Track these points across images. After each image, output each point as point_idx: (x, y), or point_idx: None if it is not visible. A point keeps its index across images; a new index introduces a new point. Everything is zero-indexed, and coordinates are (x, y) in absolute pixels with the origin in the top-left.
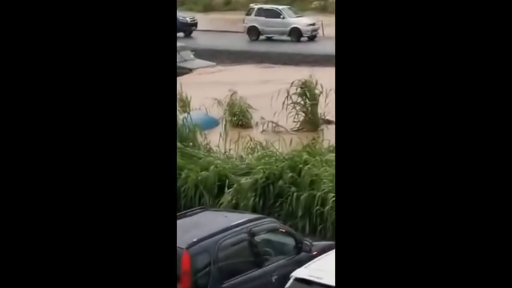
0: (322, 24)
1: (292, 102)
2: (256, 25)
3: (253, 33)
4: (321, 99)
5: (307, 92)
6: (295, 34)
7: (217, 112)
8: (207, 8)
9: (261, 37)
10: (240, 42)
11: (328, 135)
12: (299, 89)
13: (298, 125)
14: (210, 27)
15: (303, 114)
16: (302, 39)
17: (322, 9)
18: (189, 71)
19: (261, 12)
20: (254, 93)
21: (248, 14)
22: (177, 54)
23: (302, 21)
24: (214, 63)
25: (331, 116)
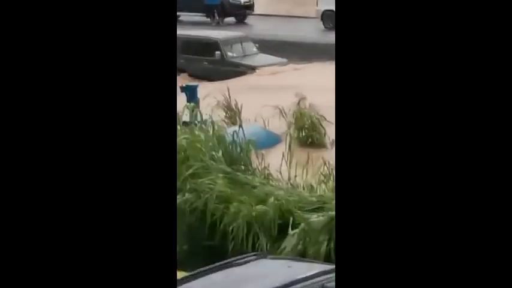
0: None
1: None
2: (334, 9)
3: (330, 19)
4: None
5: None
6: None
7: (279, 126)
8: None
9: None
10: (311, 32)
11: None
12: None
13: None
14: (269, 10)
15: None
16: None
17: None
18: (252, 70)
19: None
20: (330, 101)
21: None
22: (239, 46)
23: None
24: (285, 60)
25: None
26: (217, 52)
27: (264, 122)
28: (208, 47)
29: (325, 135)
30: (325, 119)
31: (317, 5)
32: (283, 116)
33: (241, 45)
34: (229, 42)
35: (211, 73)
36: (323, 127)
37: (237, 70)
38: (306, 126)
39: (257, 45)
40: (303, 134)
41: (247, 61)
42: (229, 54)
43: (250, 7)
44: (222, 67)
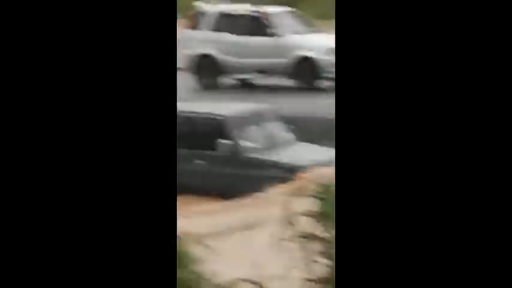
0: None
1: None
2: (212, 53)
3: (206, 70)
4: None
5: None
6: (306, 72)
7: None
8: None
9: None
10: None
11: None
12: None
13: None
14: None
15: None
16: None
17: None
18: (289, 173)
19: (223, 21)
20: None
21: (193, 25)
22: (264, 128)
23: (319, 43)
24: None
25: None
26: (223, 141)
27: None
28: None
29: None
30: None
31: (181, 43)
32: None
33: (266, 127)
34: (246, 121)
35: (208, 184)
36: None
37: (261, 176)
38: None
39: (292, 126)
40: None
41: (276, 156)
42: (246, 144)
43: None
44: (232, 169)
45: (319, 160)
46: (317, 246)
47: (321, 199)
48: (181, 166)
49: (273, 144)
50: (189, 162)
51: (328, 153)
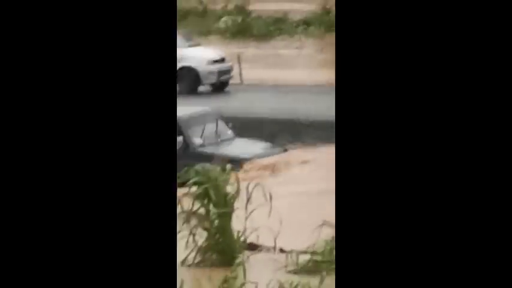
0: (239, 60)
1: None
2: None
3: None
4: None
5: None
6: (188, 80)
7: None
8: None
9: None
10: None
11: None
12: None
13: None
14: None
15: None
16: (201, 88)
17: (238, 33)
18: (236, 167)
19: None
20: None
21: None
22: (211, 128)
23: (200, 55)
24: (276, 149)
25: None
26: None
27: None
28: None
29: None
30: None
31: None
32: None
33: (210, 126)
34: (195, 122)
35: None
36: None
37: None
38: None
39: (230, 124)
40: None
41: (222, 150)
42: (196, 140)
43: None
44: (184, 162)
45: (257, 152)
46: (195, 221)
47: (200, 183)
48: None
49: (218, 140)
50: None
51: (261, 146)
